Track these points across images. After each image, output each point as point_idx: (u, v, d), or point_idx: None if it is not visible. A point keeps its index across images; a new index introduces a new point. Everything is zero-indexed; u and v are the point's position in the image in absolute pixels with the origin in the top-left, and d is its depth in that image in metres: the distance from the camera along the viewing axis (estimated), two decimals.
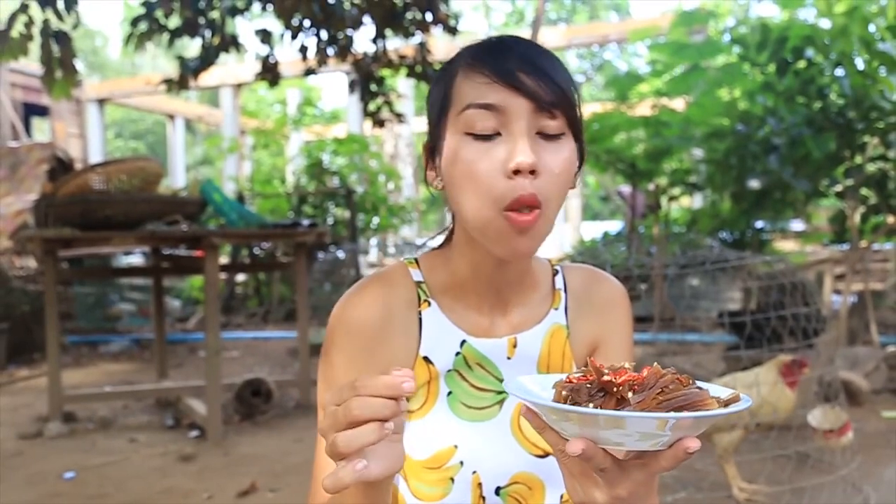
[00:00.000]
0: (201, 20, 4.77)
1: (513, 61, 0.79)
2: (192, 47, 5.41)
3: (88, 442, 3.77)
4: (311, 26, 4.87)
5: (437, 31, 5.02)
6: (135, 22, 4.58)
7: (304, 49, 4.99)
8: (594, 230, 13.16)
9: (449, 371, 0.89)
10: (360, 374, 0.71)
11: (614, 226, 12.13)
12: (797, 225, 8.46)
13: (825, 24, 5.39)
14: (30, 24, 3.71)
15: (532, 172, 0.77)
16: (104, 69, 26.68)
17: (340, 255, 8.13)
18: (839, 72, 5.25)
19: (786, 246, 8.82)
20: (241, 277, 9.58)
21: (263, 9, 4.92)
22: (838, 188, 5.76)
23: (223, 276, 8.26)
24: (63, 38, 3.80)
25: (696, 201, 9.25)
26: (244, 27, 24.85)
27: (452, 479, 0.86)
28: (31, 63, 7.37)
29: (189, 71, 4.93)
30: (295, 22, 4.80)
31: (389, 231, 10.23)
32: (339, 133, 12.42)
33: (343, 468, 0.63)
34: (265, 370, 5.29)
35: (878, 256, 8.77)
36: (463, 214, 0.82)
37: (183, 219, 3.84)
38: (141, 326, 7.63)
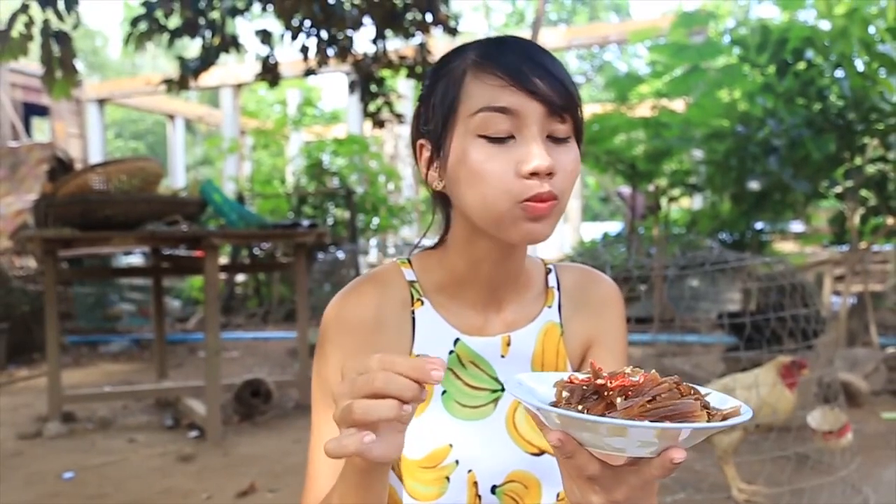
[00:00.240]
0: (201, 20, 4.77)
1: (524, 63, 0.79)
2: (192, 47, 5.41)
3: (88, 442, 3.77)
4: (312, 27, 4.88)
5: (437, 32, 5.02)
6: (135, 22, 4.58)
7: (304, 49, 4.99)
8: (594, 231, 13.16)
9: None
10: None
11: (614, 227, 12.13)
12: (797, 226, 8.45)
13: (825, 25, 5.39)
14: (30, 24, 3.71)
15: (548, 175, 0.78)
16: (104, 69, 26.68)
17: (340, 255, 8.13)
18: (839, 73, 5.25)
19: (785, 247, 8.82)
20: (240, 278, 9.58)
21: (264, 9, 4.92)
22: (838, 189, 5.76)
23: (223, 276, 8.27)
24: (63, 38, 3.80)
25: (696, 202, 9.25)
26: (244, 27, 24.89)
27: (448, 478, 0.86)
28: (31, 63, 7.37)
29: (189, 71, 4.93)
30: (295, 22, 4.80)
31: (389, 232, 10.23)
32: (339, 133, 12.42)
33: (350, 436, 0.63)
34: (265, 370, 5.29)
35: (878, 258, 8.78)
36: (472, 209, 0.82)
37: (183, 219, 3.84)
38: (141, 326, 7.63)
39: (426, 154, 0.87)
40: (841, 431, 2.74)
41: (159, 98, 13.70)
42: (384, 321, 0.89)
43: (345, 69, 6.24)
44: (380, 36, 5.07)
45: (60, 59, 3.80)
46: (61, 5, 3.79)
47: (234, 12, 4.89)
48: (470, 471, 0.87)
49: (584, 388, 0.64)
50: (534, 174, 0.77)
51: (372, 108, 5.44)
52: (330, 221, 9.12)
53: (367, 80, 5.36)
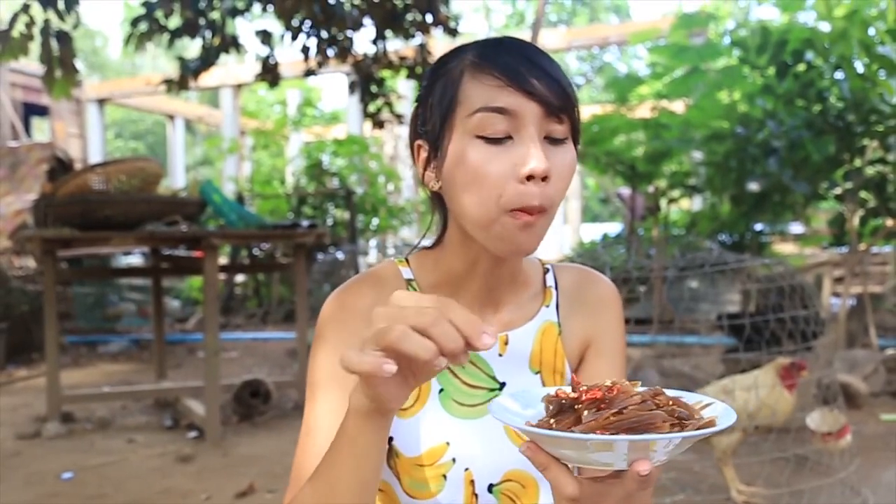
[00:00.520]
0: (201, 21, 4.77)
1: (522, 64, 0.79)
2: (192, 48, 5.41)
3: (87, 442, 3.77)
4: (312, 27, 4.88)
5: (437, 33, 5.03)
6: (135, 22, 4.58)
7: (305, 50, 4.99)
8: (594, 232, 13.16)
9: None
10: None
11: (614, 228, 12.12)
12: (796, 228, 8.46)
13: (825, 27, 5.39)
14: (31, 23, 3.71)
15: (544, 178, 0.78)
16: (104, 69, 26.69)
17: (340, 256, 8.13)
18: (839, 75, 5.25)
19: (785, 248, 8.82)
20: (240, 278, 9.58)
21: (264, 9, 4.92)
22: (837, 191, 5.76)
23: (222, 276, 8.27)
24: (63, 38, 3.80)
25: (696, 204, 9.26)
26: (244, 28, 24.86)
27: (445, 477, 0.86)
28: (31, 63, 7.36)
29: (189, 71, 4.94)
30: (295, 23, 4.80)
31: (389, 232, 10.23)
32: (338, 134, 12.42)
33: (371, 354, 0.61)
34: (264, 371, 5.28)
35: (877, 259, 8.79)
36: (465, 213, 0.82)
37: (182, 219, 3.84)
38: (140, 327, 7.63)
39: (424, 155, 0.87)
40: (840, 433, 2.74)
41: (159, 98, 13.70)
42: None
43: (345, 70, 6.24)
44: (380, 36, 5.08)
45: (60, 58, 3.80)
46: (62, 5, 3.79)
47: (235, 12, 4.90)
48: (467, 469, 0.87)
49: (563, 402, 0.65)
50: (530, 177, 0.77)
51: (372, 108, 5.44)
52: (329, 222, 9.12)
53: (367, 81, 5.36)
